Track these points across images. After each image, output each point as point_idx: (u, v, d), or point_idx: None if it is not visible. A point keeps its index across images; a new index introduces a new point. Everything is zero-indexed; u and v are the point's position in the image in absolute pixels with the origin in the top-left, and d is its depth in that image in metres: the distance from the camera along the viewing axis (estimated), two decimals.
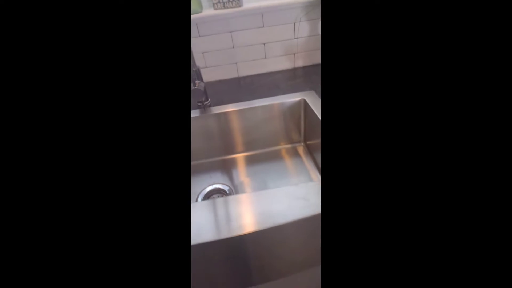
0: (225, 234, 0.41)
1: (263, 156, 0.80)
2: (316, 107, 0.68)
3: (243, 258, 0.46)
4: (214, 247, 0.42)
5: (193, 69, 0.67)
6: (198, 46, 0.81)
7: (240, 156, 0.81)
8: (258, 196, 0.46)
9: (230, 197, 0.47)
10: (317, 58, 0.90)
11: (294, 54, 0.88)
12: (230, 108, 0.73)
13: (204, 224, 0.43)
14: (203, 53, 0.83)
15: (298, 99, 0.74)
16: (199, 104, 0.74)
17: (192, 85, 0.68)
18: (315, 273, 0.61)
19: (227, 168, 0.78)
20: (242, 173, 0.76)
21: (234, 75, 0.89)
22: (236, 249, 0.44)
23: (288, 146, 0.82)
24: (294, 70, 0.90)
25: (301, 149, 0.81)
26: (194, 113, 0.73)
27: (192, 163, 0.81)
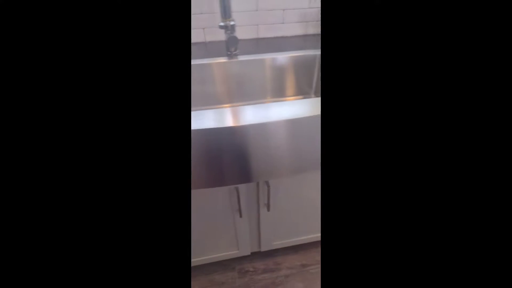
0: (224, 124, 0.55)
1: None
2: None
3: (241, 150, 0.59)
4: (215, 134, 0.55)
5: (231, 23, 0.80)
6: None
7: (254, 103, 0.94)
8: (252, 108, 0.61)
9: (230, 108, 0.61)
10: None
11: (307, 22, 1.02)
12: (254, 57, 0.87)
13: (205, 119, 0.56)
14: None
15: (316, 53, 0.88)
16: (229, 53, 0.87)
17: (229, 32, 0.81)
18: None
19: None
20: None
21: (254, 35, 1.02)
22: (233, 140, 0.57)
23: (301, 97, 0.97)
24: (305, 36, 1.04)
25: None
26: (223, 59, 0.86)
27: (217, 106, 0.93)
